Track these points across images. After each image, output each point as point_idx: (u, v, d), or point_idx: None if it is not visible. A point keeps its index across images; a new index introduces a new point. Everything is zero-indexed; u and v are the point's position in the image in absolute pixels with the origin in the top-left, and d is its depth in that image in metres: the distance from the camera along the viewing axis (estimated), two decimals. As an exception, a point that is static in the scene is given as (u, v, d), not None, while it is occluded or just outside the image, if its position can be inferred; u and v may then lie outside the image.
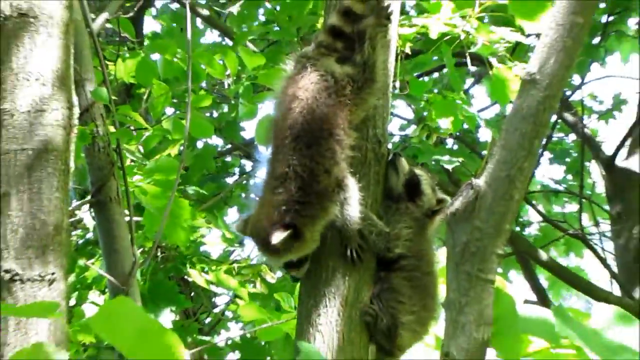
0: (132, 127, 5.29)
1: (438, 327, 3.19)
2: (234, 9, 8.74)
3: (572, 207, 11.33)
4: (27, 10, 3.30)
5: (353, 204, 3.04)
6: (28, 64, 3.27)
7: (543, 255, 9.21)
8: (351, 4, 3.20)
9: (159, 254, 6.53)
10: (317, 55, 3.17)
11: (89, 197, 4.90)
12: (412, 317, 3.07)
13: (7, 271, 3.13)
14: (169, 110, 7.33)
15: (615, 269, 8.93)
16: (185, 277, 6.80)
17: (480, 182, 2.77)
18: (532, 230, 10.92)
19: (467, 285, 2.74)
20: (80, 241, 6.67)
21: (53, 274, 3.15)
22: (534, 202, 10.21)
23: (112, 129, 4.95)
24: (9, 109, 3.25)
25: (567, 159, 10.68)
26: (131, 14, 6.72)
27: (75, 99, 3.39)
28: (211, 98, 5.91)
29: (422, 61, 7.27)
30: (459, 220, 2.76)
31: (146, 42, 7.50)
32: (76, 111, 3.39)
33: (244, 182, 10.84)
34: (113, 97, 4.87)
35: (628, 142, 8.96)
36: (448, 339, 2.73)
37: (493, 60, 5.93)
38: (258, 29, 8.26)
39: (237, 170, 10.87)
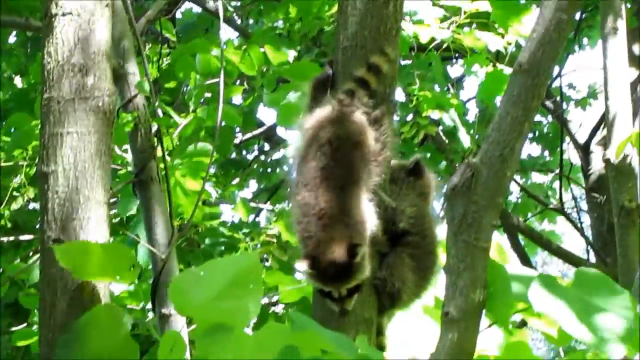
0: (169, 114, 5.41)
1: (438, 290, 3.24)
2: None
3: (546, 178, 11.49)
4: (71, 9, 3.35)
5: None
6: (73, 57, 3.34)
7: (518, 221, 9.43)
8: (377, 61, 3.07)
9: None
10: (345, 102, 3.03)
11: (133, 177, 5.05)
12: (413, 285, 3.13)
13: (55, 240, 3.20)
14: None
15: (591, 239, 9.03)
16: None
17: (477, 160, 2.84)
18: (512, 199, 11.02)
19: (464, 252, 2.81)
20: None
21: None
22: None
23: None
24: (56, 96, 3.30)
25: (545, 139, 10.85)
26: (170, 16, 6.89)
27: (114, 88, 3.44)
28: (241, 89, 6.06)
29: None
30: (457, 195, 2.83)
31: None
32: (115, 99, 3.44)
33: (262, 158, 10.98)
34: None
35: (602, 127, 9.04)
36: (448, 300, 2.80)
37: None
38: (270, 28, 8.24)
39: (256, 147, 11.00)
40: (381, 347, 3.11)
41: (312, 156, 2.98)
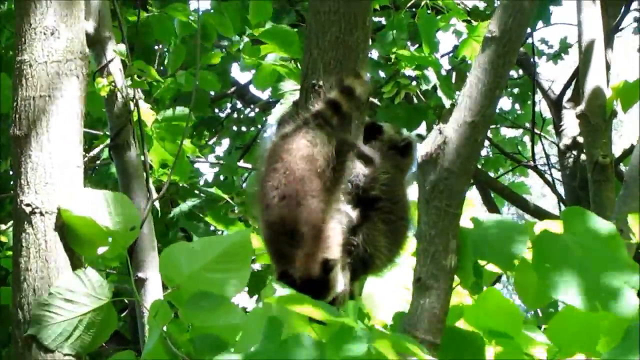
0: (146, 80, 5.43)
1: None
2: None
3: (517, 132, 11.54)
4: (43, -26, 3.37)
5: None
6: (45, 20, 3.35)
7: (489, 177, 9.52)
8: (352, 84, 3.11)
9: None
10: (313, 123, 3.05)
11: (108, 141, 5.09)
12: (386, 250, 3.17)
13: (27, 205, 3.23)
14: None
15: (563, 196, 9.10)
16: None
17: (448, 127, 2.86)
18: (483, 153, 11.03)
19: (436, 218, 2.83)
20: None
21: (69, 207, 3.24)
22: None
23: (129, 81, 5.08)
24: (28, 59, 3.32)
25: (515, 90, 10.88)
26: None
27: (87, 51, 3.46)
28: (220, 55, 6.11)
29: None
30: (428, 162, 2.85)
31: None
32: (88, 62, 3.45)
33: (235, 116, 10.96)
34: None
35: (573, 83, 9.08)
36: (419, 266, 2.82)
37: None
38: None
39: (229, 105, 10.97)
40: (353, 312, 3.15)
41: (268, 175, 3.01)
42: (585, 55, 5.76)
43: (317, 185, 2.96)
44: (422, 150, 2.89)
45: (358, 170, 3.16)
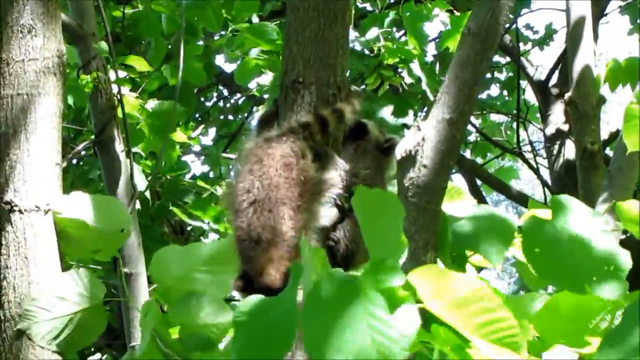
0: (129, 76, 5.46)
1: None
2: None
3: (505, 117, 11.54)
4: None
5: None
6: (22, 18, 3.35)
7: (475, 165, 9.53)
8: (344, 108, 3.14)
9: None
10: (301, 134, 3.05)
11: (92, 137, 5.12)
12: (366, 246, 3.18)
13: (6, 202, 3.23)
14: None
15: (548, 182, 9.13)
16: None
17: (427, 124, 2.88)
18: (471, 139, 11.06)
19: (415, 215, 2.85)
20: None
21: (47, 204, 3.25)
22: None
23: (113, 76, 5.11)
24: (5, 58, 3.32)
25: (502, 78, 10.91)
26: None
27: (64, 48, 3.46)
28: (201, 48, 6.12)
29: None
30: (407, 159, 2.87)
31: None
32: (65, 59, 3.45)
33: (221, 104, 10.95)
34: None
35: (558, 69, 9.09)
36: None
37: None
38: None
39: (214, 94, 10.96)
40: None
41: (242, 176, 3.02)
42: (572, 40, 5.76)
43: (292, 193, 2.96)
44: (401, 147, 2.90)
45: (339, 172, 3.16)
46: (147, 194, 5.21)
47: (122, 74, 5.40)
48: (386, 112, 6.98)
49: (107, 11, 6.50)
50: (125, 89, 5.38)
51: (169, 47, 6.32)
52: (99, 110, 5.05)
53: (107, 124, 5.00)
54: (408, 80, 6.54)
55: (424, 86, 6.58)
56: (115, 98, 5.04)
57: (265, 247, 2.91)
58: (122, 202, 4.84)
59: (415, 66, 6.50)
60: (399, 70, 6.59)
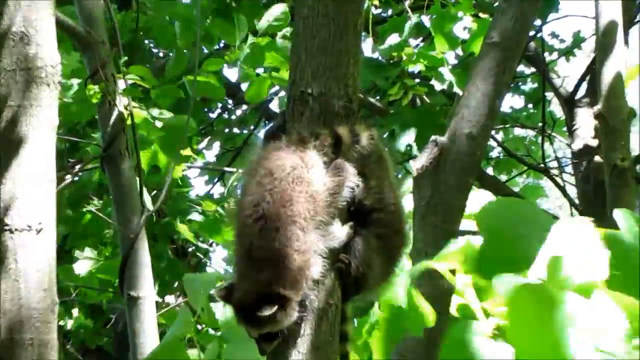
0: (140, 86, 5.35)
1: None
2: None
3: (530, 132, 11.38)
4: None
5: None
6: (13, 26, 3.24)
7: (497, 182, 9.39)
8: (362, 133, 2.97)
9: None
10: (309, 142, 2.89)
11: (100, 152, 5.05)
12: (379, 268, 3.04)
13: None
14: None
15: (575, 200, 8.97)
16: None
17: (445, 139, 2.75)
18: (493, 154, 10.89)
19: (432, 236, 2.72)
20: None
21: (40, 223, 3.15)
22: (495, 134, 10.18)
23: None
24: (-3, 68, 3.24)
25: (527, 89, 10.75)
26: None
27: (59, 57, 3.35)
28: (222, 61, 5.97)
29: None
30: (424, 176, 2.74)
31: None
32: (60, 69, 3.34)
33: (226, 116, 10.81)
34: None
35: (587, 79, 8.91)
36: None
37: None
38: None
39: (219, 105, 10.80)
40: (345, 334, 3.02)
41: (250, 190, 2.84)
42: (602, 49, 5.56)
43: (304, 211, 2.78)
44: (417, 163, 2.76)
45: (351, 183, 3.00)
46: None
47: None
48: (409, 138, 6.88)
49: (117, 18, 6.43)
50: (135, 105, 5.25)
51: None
52: (107, 123, 4.91)
53: (115, 138, 4.88)
54: (438, 87, 6.39)
55: (456, 89, 6.38)
56: (125, 110, 4.91)
57: (260, 265, 2.74)
58: (131, 220, 4.74)
59: (445, 70, 6.34)
60: (420, 75, 6.46)
